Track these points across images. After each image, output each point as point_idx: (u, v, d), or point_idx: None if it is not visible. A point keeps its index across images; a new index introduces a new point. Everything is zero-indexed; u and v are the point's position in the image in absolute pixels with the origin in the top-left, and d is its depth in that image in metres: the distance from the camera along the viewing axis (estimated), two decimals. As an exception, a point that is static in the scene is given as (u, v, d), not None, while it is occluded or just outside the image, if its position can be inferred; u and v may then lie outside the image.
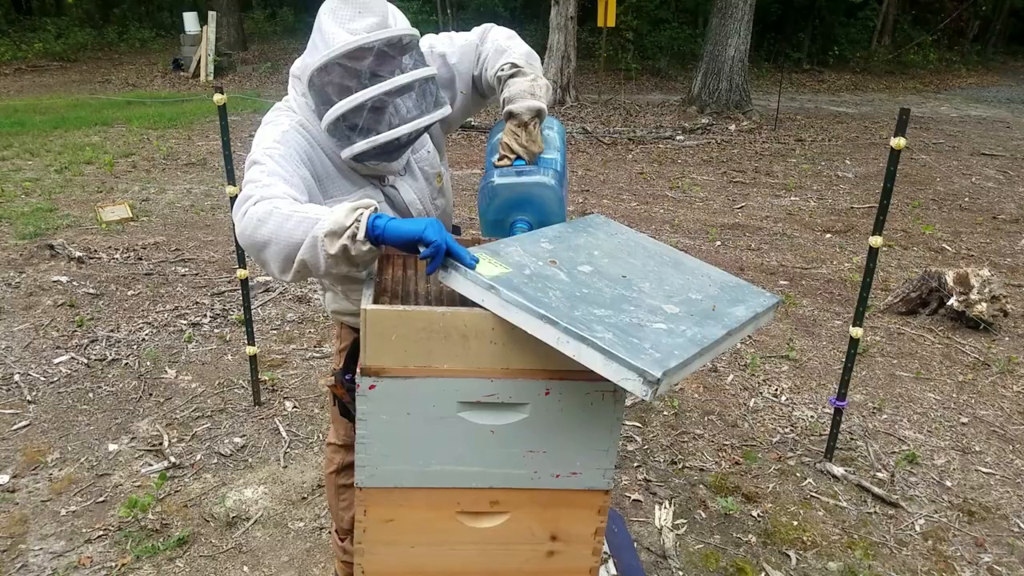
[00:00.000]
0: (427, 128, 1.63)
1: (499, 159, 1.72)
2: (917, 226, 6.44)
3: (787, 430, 3.39)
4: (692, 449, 3.23)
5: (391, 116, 1.54)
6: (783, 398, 3.66)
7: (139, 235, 5.69)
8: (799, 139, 10.12)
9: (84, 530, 2.64)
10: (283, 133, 1.63)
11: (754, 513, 2.83)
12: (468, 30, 1.88)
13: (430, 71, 1.59)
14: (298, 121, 1.67)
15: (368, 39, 1.51)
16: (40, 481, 2.89)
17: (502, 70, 1.73)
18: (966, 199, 7.38)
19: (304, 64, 1.60)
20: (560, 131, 1.88)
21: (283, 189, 1.50)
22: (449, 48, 1.83)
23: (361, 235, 1.37)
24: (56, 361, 3.77)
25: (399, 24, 1.57)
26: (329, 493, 2.21)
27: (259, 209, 1.45)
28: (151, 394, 3.53)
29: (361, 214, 1.38)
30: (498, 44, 1.79)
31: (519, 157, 1.70)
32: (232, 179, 3.13)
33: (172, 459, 3.02)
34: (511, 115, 1.69)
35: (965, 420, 3.50)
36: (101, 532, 2.62)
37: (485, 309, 1.37)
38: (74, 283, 4.69)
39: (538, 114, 1.69)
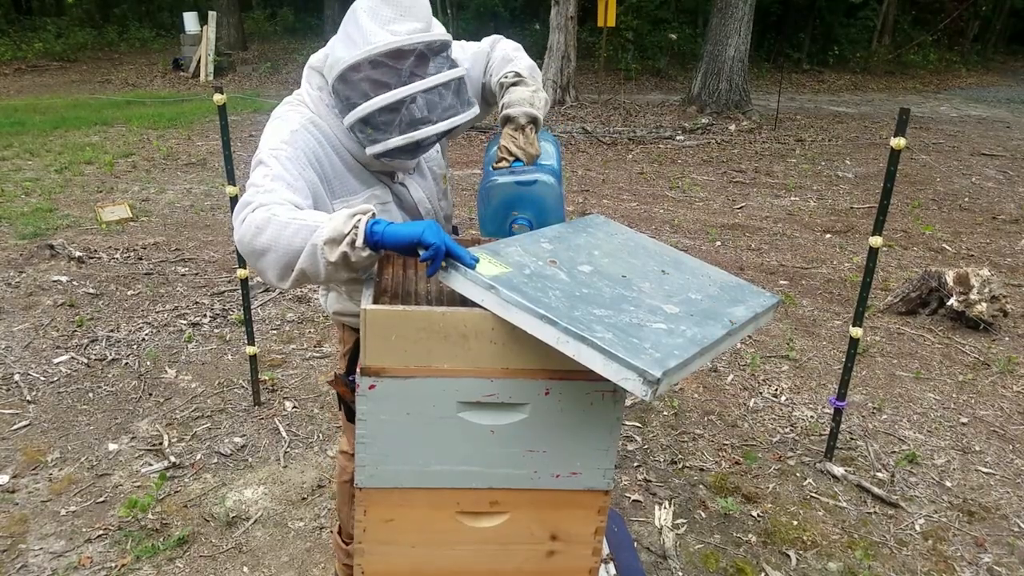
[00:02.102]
0: (458, 126, 1.62)
1: (498, 162, 1.73)
2: (917, 226, 6.44)
3: (787, 430, 3.39)
4: (692, 449, 3.23)
5: (426, 113, 1.53)
6: (783, 398, 3.66)
7: (139, 235, 5.69)
8: (799, 139, 10.12)
9: (84, 530, 2.64)
10: (292, 133, 1.61)
11: (754, 513, 2.83)
12: (468, 30, 1.90)
13: (464, 71, 1.60)
14: (308, 118, 1.65)
15: (410, 40, 1.49)
16: (40, 481, 2.89)
17: (505, 77, 1.77)
18: (966, 199, 7.38)
19: (336, 57, 1.55)
20: (555, 144, 1.91)
21: (284, 195, 1.49)
22: (462, 55, 1.84)
23: (360, 241, 1.37)
24: (56, 361, 3.77)
25: (436, 29, 1.57)
26: (342, 501, 2.21)
27: (257, 216, 1.44)
28: (151, 394, 3.53)
29: (359, 220, 1.38)
30: (505, 54, 1.85)
31: (517, 159, 1.71)
32: (232, 179, 3.13)
33: (172, 459, 3.02)
34: (508, 119, 1.72)
35: (965, 420, 3.50)
36: (101, 532, 2.63)
37: (485, 309, 1.37)
38: (74, 283, 4.69)
39: (534, 120, 1.72)
